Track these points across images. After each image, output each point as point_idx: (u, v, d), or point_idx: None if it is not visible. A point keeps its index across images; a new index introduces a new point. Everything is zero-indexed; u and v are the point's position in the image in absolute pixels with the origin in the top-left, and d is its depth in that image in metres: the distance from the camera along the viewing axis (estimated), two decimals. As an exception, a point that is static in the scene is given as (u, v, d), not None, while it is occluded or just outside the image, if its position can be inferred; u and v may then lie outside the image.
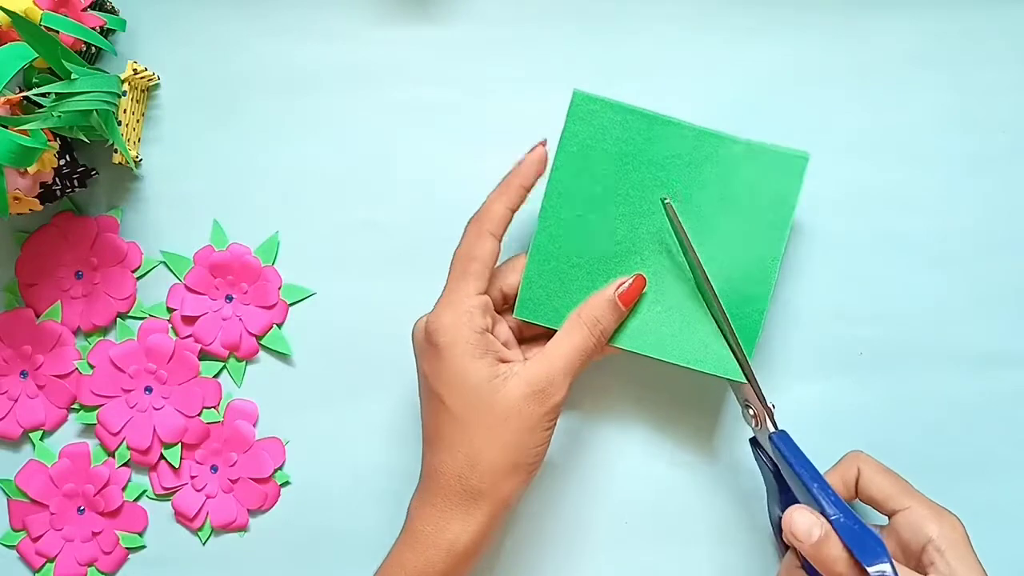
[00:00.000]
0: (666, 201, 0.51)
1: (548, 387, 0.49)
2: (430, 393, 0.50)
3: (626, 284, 0.51)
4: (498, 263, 0.52)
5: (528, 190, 0.51)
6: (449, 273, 0.51)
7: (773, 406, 0.51)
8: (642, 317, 0.52)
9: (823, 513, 0.46)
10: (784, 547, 0.54)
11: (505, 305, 0.53)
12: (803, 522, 0.45)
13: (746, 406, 0.52)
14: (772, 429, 0.51)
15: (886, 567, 0.44)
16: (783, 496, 0.52)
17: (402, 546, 0.50)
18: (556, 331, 0.51)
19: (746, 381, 0.51)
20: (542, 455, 0.50)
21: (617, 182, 0.52)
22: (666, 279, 0.52)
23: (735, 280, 0.52)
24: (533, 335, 0.54)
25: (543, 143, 0.52)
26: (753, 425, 0.52)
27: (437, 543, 0.49)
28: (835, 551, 0.44)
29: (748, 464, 0.56)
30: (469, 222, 0.51)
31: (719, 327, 0.51)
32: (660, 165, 0.52)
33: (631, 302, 0.51)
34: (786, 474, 0.50)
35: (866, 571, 0.44)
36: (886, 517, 0.51)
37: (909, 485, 0.51)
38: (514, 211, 0.51)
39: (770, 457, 0.52)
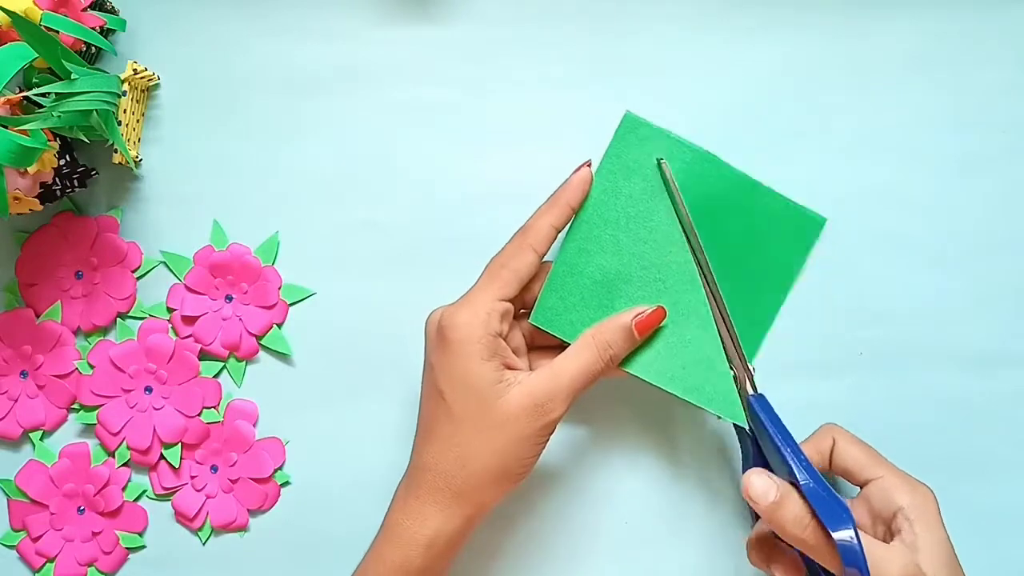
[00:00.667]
0: (661, 161, 0.51)
1: (548, 402, 0.49)
2: (432, 386, 0.50)
3: (645, 313, 0.51)
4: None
5: (575, 209, 0.51)
6: (480, 275, 0.51)
7: (754, 369, 0.52)
8: (656, 346, 0.52)
9: (793, 478, 0.46)
10: (756, 519, 0.54)
11: (522, 310, 0.54)
12: (759, 484, 0.45)
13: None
14: (751, 392, 0.51)
15: (851, 534, 0.44)
16: (759, 462, 0.52)
17: (382, 540, 0.50)
18: (567, 344, 0.51)
19: (746, 426, 0.52)
20: (531, 466, 0.50)
21: (653, 207, 0.52)
22: (686, 312, 0.52)
23: (735, 320, 0.52)
24: (545, 344, 0.54)
25: (588, 163, 0.52)
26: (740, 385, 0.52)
27: (415, 538, 0.49)
28: (790, 513, 0.45)
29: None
30: (515, 233, 0.51)
31: (710, 294, 0.51)
32: (696, 199, 0.52)
33: (646, 332, 0.51)
34: (761, 438, 0.50)
35: (830, 536, 0.44)
36: (858, 488, 0.52)
37: (882, 457, 0.51)
38: (559, 229, 0.51)
39: (748, 422, 0.52)
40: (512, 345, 0.52)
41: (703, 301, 0.51)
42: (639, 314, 0.51)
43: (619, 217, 0.52)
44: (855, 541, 0.44)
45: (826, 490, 0.45)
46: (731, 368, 0.52)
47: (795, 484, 0.46)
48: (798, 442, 0.48)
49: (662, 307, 0.51)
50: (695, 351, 0.51)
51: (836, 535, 0.44)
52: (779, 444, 0.48)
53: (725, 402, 0.51)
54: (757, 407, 0.50)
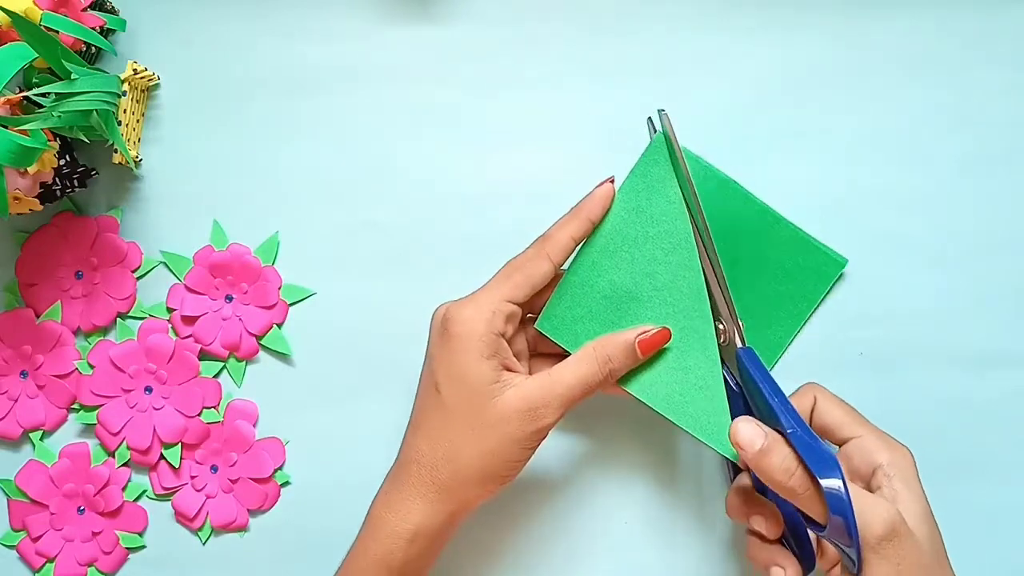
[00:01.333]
0: (663, 112, 0.50)
1: (542, 408, 0.49)
2: (430, 378, 0.50)
3: (649, 332, 0.50)
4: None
5: (594, 224, 0.51)
6: (494, 275, 0.51)
7: (743, 323, 0.51)
8: (656, 368, 0.51)
9: (781, 427, 0.46)
10: (735, 474, 0.54)
11: (529, 315, 0.53)
12: (747, 432, 0.45)
13: (716, 321, 0.52)
14: (740, 345, 0.51)
15: (839, 482, 0.44)
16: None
17: (365, 533, 0.51)
18: (569, 354, 0.51)
19: (736, 460, 0.51)
20: (518, 469, 0.50)
21: (672, 229, 0.51)
22: (691, 339, 0.51)
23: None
24: (547, 352, 0.54)
25: (611, 180, 0.51)
26: (721, 341, 0.51)
27: (398, 532, 0.49)
28: (777, 461, 0.45)
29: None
30: (535, 240, 0.51)
31: (714, 274, 0.51)
32: (718, 226, 0.52)
33: (649, 352, 0.50)
34: (749, 392, 0.50)
35: (818, 484, 0.44)
36: (837, 446, 0.52)
37: (862, 416, 0.52)
38: (578, 241, 0.51)
39: (735, 377, 0.52)
40: (515, 349, 0.52)
41: (710, 330, 0.51)
42: (644, 332, 0.50)
43: (637, 235, 0.51)
44: (843, 489, 0.44)
45: (813, 439, 0.45)
46: (720, 321, 0.51)
47: (782, 433, 0.46)
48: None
49: (667, 328, 0.51)
50: (695, 379, 0.51)
51: (824, 483, 0.44)
52: (767, 395, 0.48)
53: (718, 433, 0.51)
54: (745, 360, 0.50)
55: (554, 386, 0.49)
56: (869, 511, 0.44)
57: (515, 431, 0.48)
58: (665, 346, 0.51)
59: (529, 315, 0.53)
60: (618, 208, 0.51)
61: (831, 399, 0.52)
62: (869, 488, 0.49)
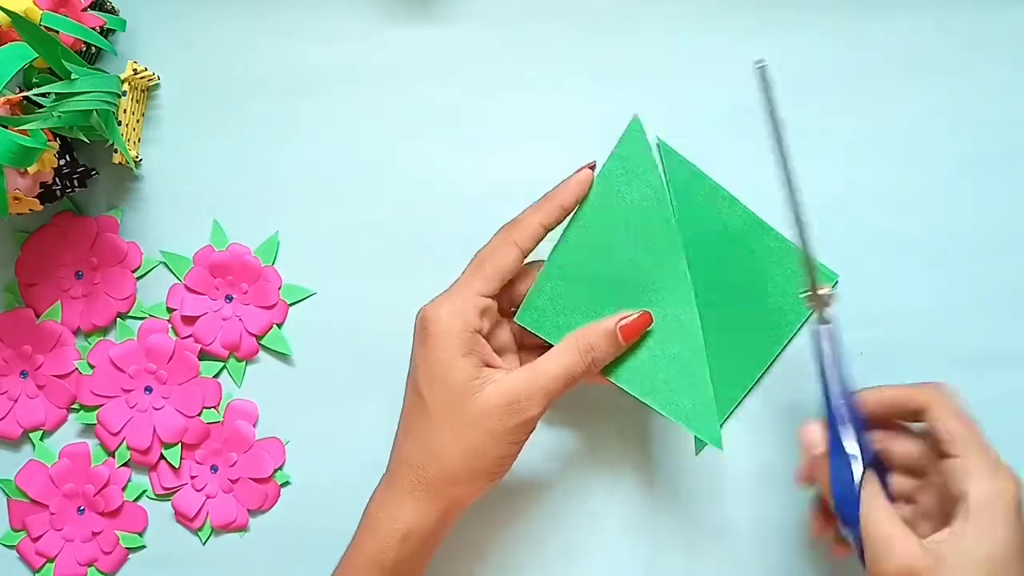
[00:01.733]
0: (763, 65, 0.48)
1: (524, 400, 0.48)
2: (413, 380, 0.50)
3: (630, 318, 0.50)
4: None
5: (567, 210, 0.50)
6: (464, 270, 0.51)
7: (831, 295, 0.48)
8: (640, 356, 0.50)
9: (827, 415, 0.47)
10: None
11: (512, 309, 0.53)
12: (812, 433, 0.47)
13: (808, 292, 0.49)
14: (819, 318, 0.48)
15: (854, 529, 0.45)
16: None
17: (361, 531, 0.51)
18: (552, 345, 0.51)
19: (721, 448, 0.51)
20: (506, 466, 0.50)
21: (653, 216, 0.50)
22: (675, 327, 0.50)
23: (724, 359, 0.52)
24: (534, 344, 0.53)
25: (591, 166, 0.51)
26: (811, 309, 0.49)
27: (390, 530, 0.49)
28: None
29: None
30: (501, 228, 0.51)
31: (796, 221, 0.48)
32: (708, 235, 0.52)
33: (631, 338, 0.50)
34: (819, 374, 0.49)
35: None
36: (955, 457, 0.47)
37: (976, 432, 0.46)
38: (548, 228, 0.50)
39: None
40: (498, 342, 0.52)
41: (693, 316, 0.50)
42: (624, 318, 0.50)
43: (618, 223, 0.50)
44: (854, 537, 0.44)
45: (843, 461, 0.45)
46: (811, 288, 0.48)
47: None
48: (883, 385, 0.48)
49: (648, 312, 0.50)
50: (679, 366, 0.50)
51: (843, 530, 0.45)
52: (825, 383, 0.47)
53: (702, 421, 0.50)
54: (813, 340, 0.48)
55: (536, 378, 0.49)
56: (886, 546, 0.44)
57: (496, 426, 0.48)
58: (648, 334, 0.50)
59: (513, 309, 0.53)
60: (597, 195, 0.50)
61: (947, 408, 0.47)
62: (949, 517, 0.45)
